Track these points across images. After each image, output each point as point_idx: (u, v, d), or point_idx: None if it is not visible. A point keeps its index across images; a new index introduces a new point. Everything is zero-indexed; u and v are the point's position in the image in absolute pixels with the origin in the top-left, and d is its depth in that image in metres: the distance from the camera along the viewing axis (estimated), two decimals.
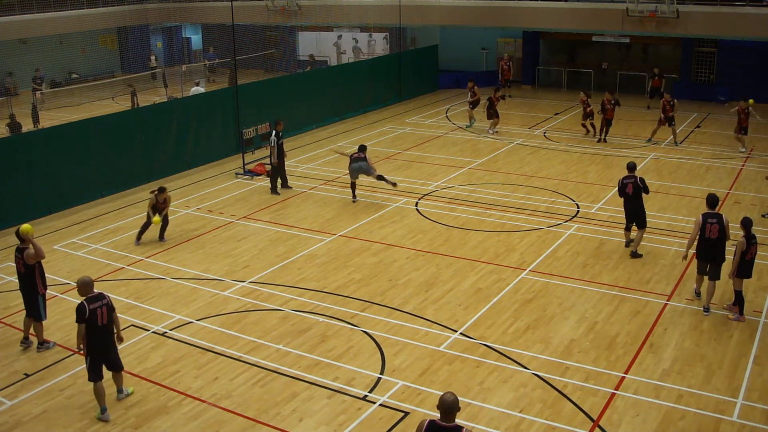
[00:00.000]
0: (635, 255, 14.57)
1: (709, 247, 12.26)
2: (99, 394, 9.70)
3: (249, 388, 10.38)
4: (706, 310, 12.36)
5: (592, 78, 33.22)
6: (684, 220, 16.52)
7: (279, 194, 18.91)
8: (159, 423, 9.64)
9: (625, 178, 14.54)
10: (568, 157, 22.04)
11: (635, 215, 14.60)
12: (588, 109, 24.19)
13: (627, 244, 15.01)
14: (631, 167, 14.69)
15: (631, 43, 32.68)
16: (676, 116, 23.11)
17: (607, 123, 23.30)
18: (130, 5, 38.17)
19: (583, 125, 24.59)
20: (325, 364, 10.97)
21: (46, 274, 14.12)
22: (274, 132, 18.85)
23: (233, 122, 22.67)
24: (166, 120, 20.99)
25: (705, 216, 12.32)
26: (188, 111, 21.70)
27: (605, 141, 23.39)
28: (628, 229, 14.99)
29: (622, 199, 14.70)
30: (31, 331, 11.62)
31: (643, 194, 14.47)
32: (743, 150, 22.19)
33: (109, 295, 13.16)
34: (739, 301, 12.09)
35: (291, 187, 19.40)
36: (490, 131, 25.33)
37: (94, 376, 9.65)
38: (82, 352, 9.70)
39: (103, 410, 9.71)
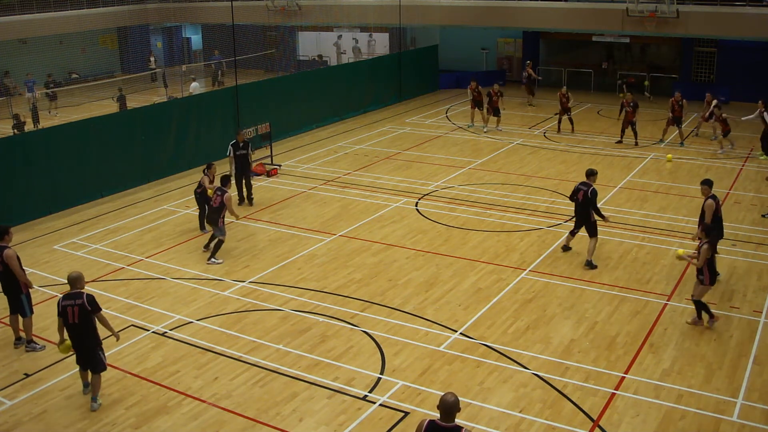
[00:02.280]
0: (590, 265, 14.10)
1: (722, 224, 13.30)
2: (81, 375, 10.31)
3: (249, 388, 10.38)
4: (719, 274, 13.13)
5: (592, 78, 33.23)
6: (684, 220, 16.51)
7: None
8: (159, 423, 9.65)
9: (580, 183, 14.15)
10: (568, 157, 22.04)
11: (584, 221, 14.18)
12: (566, 104, 24.55)
13: (564, 248, 14.81)
14: (589, 174, 14.22)
15: (631, 43, 32.67)
16: (684, 116, 23.15)
17: (630, 125, 23.02)
18: (130, 5, 38.15)
19: (559, 120, 25.10)
20: (325, 364, 10.97)
21: (47, 274, 14.19)
22: (233, 141, 18.00)
23: (233, 122, 22.66)
24: (166, 120, 20.98)
25: (714, 197, 13.17)
26: (188, 111, 21.70)
27: (636, 145, 23.14)
28: (573, 233, 14.69)
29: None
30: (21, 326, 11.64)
31: (593, 209, 13.97)
32: (721, 152, 22.07)
33: (110, 295, 13.23)
34: (702, 306, 11.85)
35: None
36: (484, 128, 25.45)
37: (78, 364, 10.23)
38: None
39: (86, 385, 10.24)
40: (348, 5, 35.05)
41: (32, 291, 11.75)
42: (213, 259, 14.78)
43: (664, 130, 23.45)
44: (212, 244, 14.97)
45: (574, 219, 14.58)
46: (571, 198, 14.33)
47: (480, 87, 25.91)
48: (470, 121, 26.52)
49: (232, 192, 18.22)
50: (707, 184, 13.44)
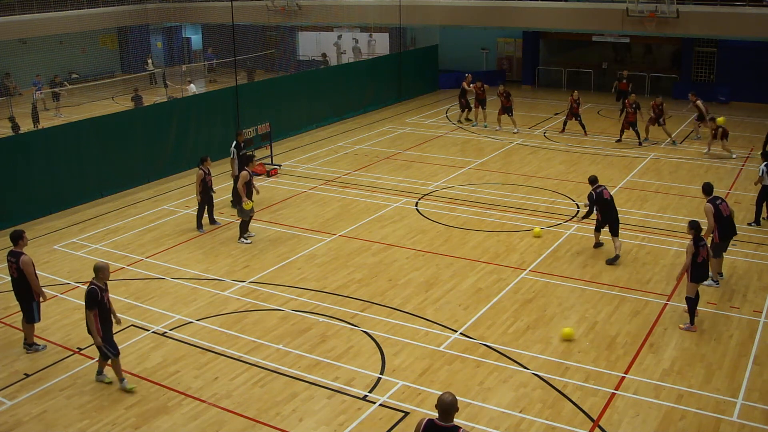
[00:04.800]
0: (615, 260, 14.40)
1: (729, 224, 13.16)
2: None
3: (249, 388, 10.38)
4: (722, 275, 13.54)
5: (592, 78, 33.24)
6: (684, 220, 16.48)
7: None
8: (159, 423, 9.65)
9: (597, 187, 14.47)
10: (568, 157, 22.04)
11: (613, 219, 14.50)
12: (576, 109, 24.21)
13: (597, 245, 15.07)
14: (595, 180, 14.65)
15: (631, 43, 32.68)
16: (666, 117, 23.12)
17: (630, 126, 23.08)
18: (130, 5, 38.17)
19: (565, 122, 24.85)
20: (325, 364, 10.97)
21: (47, 275, 14.19)
22: (234, 143, 17.97)
23: (233, 122, 22.66)
24: (166, 120, 20.98)
25: (713, 200, 13.10)
26: (188, 111, 21.69)
27: (640, 144, 23.10)
28: (599, 229, 14.94)
29: (618, 200, 14.67)
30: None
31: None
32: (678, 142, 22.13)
33: (110, 295, 13.19)
34: (690, 309, 11.85)
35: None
36: (484, 125, 25.63)
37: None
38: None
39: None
40: (348, 5, 35.05)
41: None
42: (242, 239, 15.69)
43: (645, 129, 23.46)
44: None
45: (599, 222, 14.77)
46: (599, 203, 14.44)
47: (486, 85, 25.94)
48: (474, 119, 26.58)
49: (226, 196, 18.29)
50: (704, 189, 13.52)
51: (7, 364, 11.13)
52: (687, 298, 11.80)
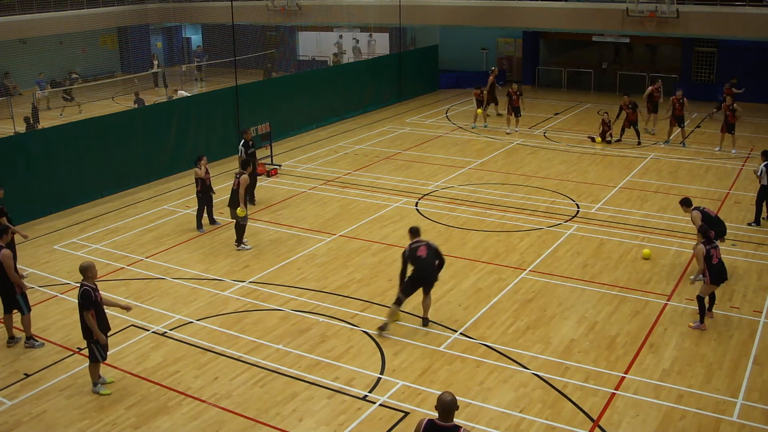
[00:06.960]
0: (426, 321, 12.03)
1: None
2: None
3: (249, 388, 10.38)
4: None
5: (592, 78, 33.23)
6: (684, 221, 16.49)
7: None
8: (159, 423, 9.65)
9: (415, 242, 11.62)
10: (568, 157, 22.04)
11: (433, 281, 11.81)
12: (608, 124, 23.56)
13: (385, 327, 11.75)
14: (415, 231, 11.81)
15: (631, 43, 32.67)
16: (686, 116, 23.03)
17: (631, 125, 23.02)
18: (130, 5, 38.16)
19: (609, 138, 23.67)
20: (325, 364, 10.97)
21: (47, 274, 14.19)
22: (242, 141, 17.98)
23: (233, 122, 22.66)
24: (166, 120, 20.98)
25: (697, 208, 13.25)
26: (188, 111, 21.69)
27: (639, 144, 23.14)
28: (400, 302, 11.76)
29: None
30: (15, 325, 11.62)
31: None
32: (734, 151, 22.00)
33: (110, 295, 13.20)
34: (701, 307, 11.82)
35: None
36: (484, 125, 25.80)
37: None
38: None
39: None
40: (348, 5, 35.04)
41: (33, 291, 11.75)
42: (243, 245, 15.34)
43: (669, 131, 23.39)
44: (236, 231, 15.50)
45: (407, 287, 11.72)
46: (413, 261, 11.55)
47: (485, 93, 26.00)
48: (473, 121, 26.61)
49: (227, 195, 18.26)
50: (683, 203, 13.57)
51: (7, 364, 11.13)
52: (698, 297, 11.76)
